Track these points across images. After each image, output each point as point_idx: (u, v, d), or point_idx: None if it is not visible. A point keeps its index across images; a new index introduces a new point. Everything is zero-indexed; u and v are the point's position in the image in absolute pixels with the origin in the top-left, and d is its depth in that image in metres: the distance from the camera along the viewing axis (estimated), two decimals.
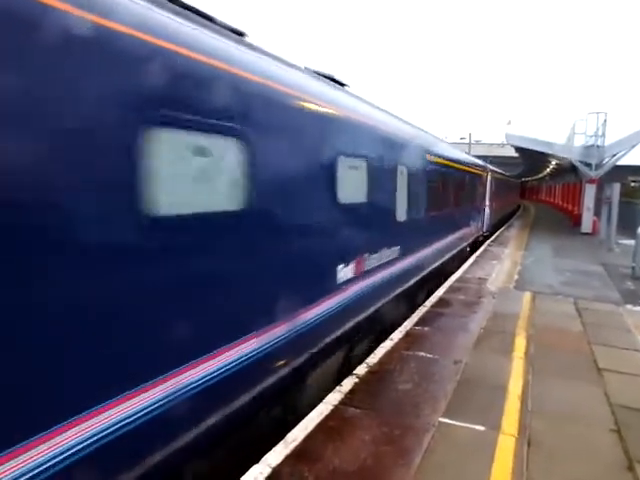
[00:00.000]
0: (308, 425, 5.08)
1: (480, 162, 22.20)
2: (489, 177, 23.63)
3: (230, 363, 3.85)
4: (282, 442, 4.74)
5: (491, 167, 26.50)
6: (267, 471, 4.29)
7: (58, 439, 2.55)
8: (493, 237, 24.60)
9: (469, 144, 55.90)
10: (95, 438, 2.75)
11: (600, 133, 27.20)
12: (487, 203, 23.21)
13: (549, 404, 5.87)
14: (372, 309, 7.55)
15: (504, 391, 6.15)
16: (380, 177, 7.54)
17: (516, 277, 13.76)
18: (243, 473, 4.24)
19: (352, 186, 6.46)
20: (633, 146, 25.65)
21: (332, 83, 6.70)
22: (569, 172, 37.16)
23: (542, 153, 30.85)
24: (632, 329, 9.19)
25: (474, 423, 5.27)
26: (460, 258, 16.57)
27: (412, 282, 9.99)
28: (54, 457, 2.55)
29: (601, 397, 6.15)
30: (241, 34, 4.63)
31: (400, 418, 5.36)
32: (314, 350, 5.55)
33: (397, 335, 8.13)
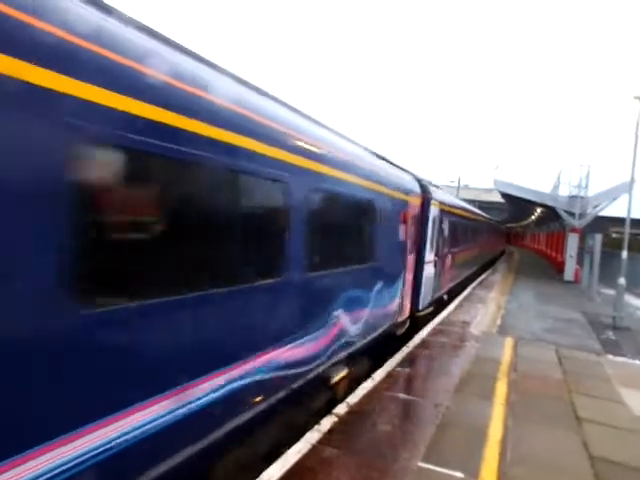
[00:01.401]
0: (285, 464, 4.97)
1: (408, 179, 11.12)
2: (434, 210, 12.60)
3: None
4: None
5: (443, 196, 15.15)
6: None
7: None
8: (477, 281, 24.57)
9: (457, 188, 56.97)
10: None
11: (584, 184, 28.00)
12: (428, 257, 12.38)
13: (528, 452, 5.82)
14: None
15: (484, 437, 6.09)
16: None
17: (499, 322, 13.81)
18: None
19: None
20: (614, 199, 26.35)
21: None
22: (553, 220, 37.90)
23: (528, 200, 31.52)
24: (612, 380, 9.22)
25: (453, 469, 5.20)
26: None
27: None
28: None
29: (580, 448, 6.12)
30: None
31: (378, 461, 5.27)
32: None
33: (379, 375, 8.07)
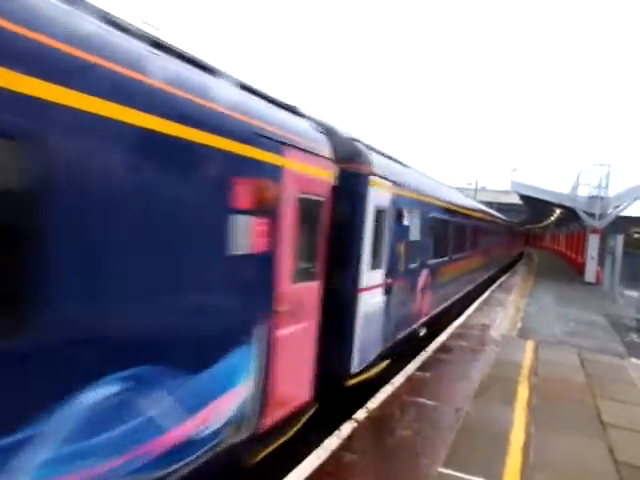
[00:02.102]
0: (304, 470, 4.96)
1: (292, 124, 5.29)
2: (379, 195, 7.29)
3: None
4: None
5: (407, 176, 9.24)
6: None
7: None
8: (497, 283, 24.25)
9: (475, 190, 56.48)
10: None
11: (604, 185, 27.58)
12: (368, 280, 7.08)
13: (552, 458, 5.72)
14: None
15: (506, 442, 6.01)
16: None
17: (519, 325, 13.62)
18: None
19: None
20: (636, 198, 25.88)
21: None
22: (573, 221, 37.38)
23: (547, 202, 31.12)
24: (637, 383, 9.04)
25: (475, 475, 5.13)
26: None
27: None
28: None
29: (605, 454, 6.00)
30: None
31: (399, 466, 5.23)
32: None
33: (398, 380, 8.01)
